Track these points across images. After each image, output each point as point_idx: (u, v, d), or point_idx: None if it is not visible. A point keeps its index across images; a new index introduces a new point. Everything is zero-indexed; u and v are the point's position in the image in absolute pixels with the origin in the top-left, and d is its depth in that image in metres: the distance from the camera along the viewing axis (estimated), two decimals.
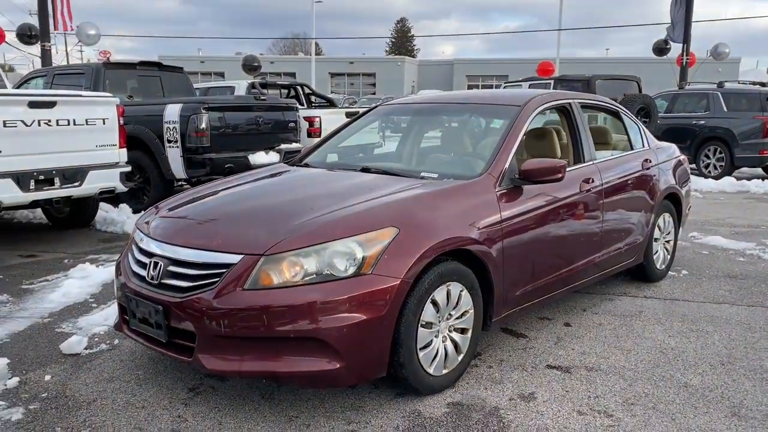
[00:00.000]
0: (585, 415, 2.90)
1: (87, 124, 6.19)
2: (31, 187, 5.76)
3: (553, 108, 4.21)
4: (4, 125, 5.51)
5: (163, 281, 2.88)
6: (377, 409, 2.94)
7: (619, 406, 2.98)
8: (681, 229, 5.53)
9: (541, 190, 3.64)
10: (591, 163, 4.19)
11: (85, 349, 3.61)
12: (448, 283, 3.03)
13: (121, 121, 6.52)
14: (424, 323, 2.94)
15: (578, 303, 4.49)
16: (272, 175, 3.93)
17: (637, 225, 4.58)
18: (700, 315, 4.27)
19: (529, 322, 4.10)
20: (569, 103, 4.27)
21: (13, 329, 3.95)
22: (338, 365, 2.67)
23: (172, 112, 7.59)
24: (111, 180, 6.45)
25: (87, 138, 6.20)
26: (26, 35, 14.02)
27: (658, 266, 5.01)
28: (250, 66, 15.03)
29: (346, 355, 2.68)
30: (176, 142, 7.60)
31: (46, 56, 13.44)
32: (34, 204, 6.03)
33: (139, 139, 7.75)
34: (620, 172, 4.40)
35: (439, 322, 3.05)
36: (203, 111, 7.46)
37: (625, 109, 4.98)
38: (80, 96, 6.32)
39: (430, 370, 3.02)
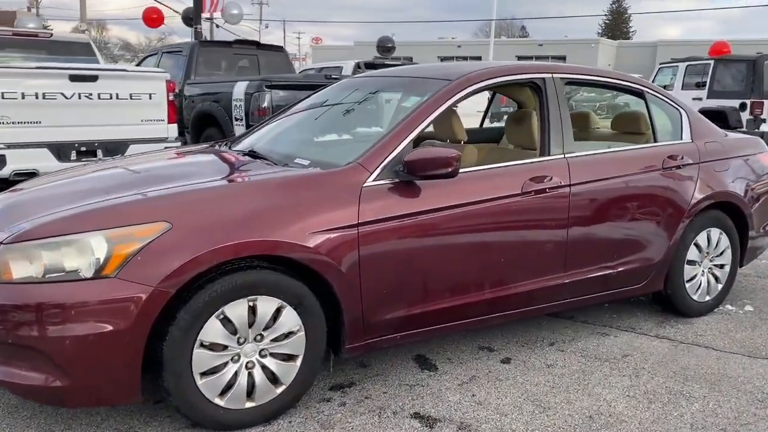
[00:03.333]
0: None
1: (131, 98, 6.29)
2: (72, 158, 5.98)
3: (508, 84, 3.30)
4: (44, 97, 5.77)
5: None
6: None
7: None
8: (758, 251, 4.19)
9: (449, 188, 2.83)
10: (560, 156, 3.21)
11: None
12: (252, 297, 2.43)
13: (171, 97, 6.56)
14: (207, 343, 2.37)
15: (554, 334, 3.53)
16: (153, 159, 3.42)
17: (646, 240, 3.48)
18: (707, 372, 3.12)
19: (460, 353, 3.27)
20: (542, 79, 3.29)
21: None
22: (62, 383, 2.22)
23: (239, 90, 7.48)
24: None
25: (131, 112, 6.30)
26: (189, 18, 15.15)
27: (695, 297, 3.80)
28: (384, 47, 14.73)
29: (72, 372, 2.21)
30: (241, 120, 7.52)
31: (198, 38, 14.31)
32: None
33: (213, 116, 7.81)
34: (612, 171, 3.34)
35: (240, 343, 2.45)
36: (266, 89, 7.28)
37: (657, 89, 3.79)
38: (124, 71, 6.43)
39: (221, 403, 2.44)
